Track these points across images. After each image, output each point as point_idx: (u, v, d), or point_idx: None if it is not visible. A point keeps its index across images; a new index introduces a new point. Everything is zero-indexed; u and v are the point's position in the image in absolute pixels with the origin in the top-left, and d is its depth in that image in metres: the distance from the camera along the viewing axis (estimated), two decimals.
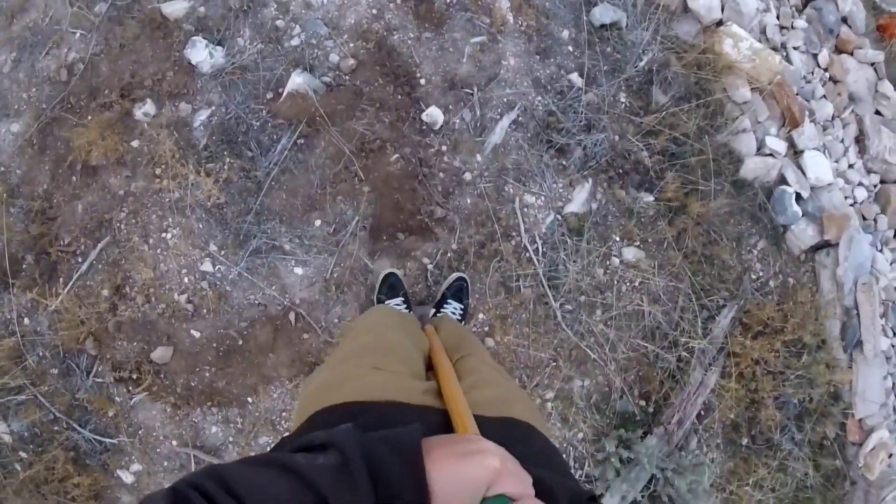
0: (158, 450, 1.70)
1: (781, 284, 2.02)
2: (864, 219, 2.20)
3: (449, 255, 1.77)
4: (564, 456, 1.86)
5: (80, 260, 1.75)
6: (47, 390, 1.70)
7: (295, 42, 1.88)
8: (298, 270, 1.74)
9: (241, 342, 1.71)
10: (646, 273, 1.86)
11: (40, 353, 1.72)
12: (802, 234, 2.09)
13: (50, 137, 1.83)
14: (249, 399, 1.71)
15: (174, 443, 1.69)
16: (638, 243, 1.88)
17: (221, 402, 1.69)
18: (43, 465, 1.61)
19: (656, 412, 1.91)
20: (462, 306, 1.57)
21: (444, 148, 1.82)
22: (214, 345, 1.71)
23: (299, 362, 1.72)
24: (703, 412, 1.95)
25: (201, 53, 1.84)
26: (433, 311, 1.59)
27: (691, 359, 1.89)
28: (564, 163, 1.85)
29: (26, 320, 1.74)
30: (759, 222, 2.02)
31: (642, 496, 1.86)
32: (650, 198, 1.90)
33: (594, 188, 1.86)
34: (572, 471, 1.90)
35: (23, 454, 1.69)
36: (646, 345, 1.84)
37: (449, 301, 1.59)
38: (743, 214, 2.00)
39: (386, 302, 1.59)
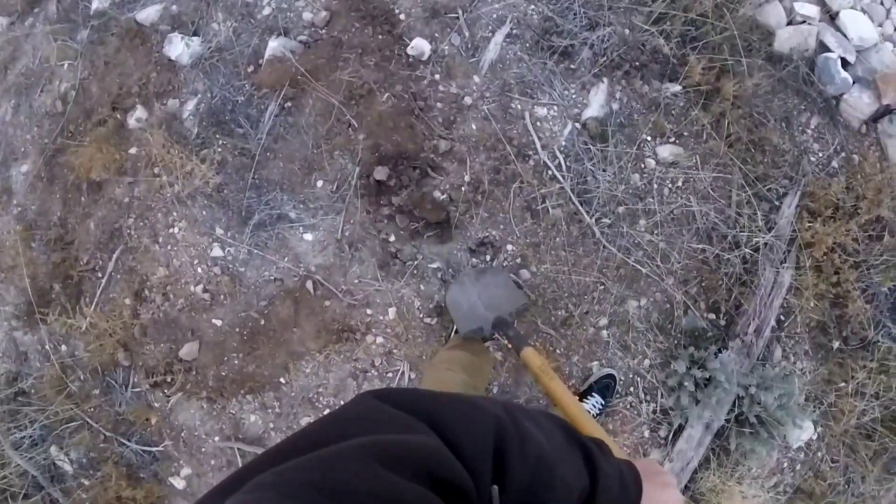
0: (203, 449, 1.22)
1: (845, 161, 1.32)
2: None
3: (463, 188, 1.18)
4: (632, 388, 1.23)
5: (99, 275, 1.31)
6: (93, 411, 1.26)
7: (266, 11, 1.37)
8: (308, 236, 1.22)
9: (263, 322, 1.21)
10: (688, 170, 1.22)
11: (81, 377, 1.31)
12: (858, 103, 1.37)
13: (56, 168, 1.44)
14: (282, 380, 1.20)
15: (216, 439, 1.21)
16: (673, 139, 1.24)
17: (255, 388, 1.20)
18: (100, 486, 1.16)
19: (729, 324, 1.26)
20: (603, 402, 1.25)
21: (436, 76, 1.25)
22: (237, 330, 1.22)
23: (325, 332, 1.19)
24: (782, 317, 1.29)
25: (178, 47, 1.37)
26: (577, 397, 1.23)
27: (758, 258, 1.22)
28: (572, 66, 1.24)
29: (63, 347, 1.33)
30: (807, 97, 1.33)
31: (727, 421, 1.20)
32: (676, 87, 1.26)
33: (611, 87, 1.24)
34: (642, 404, 1.25)
35: (84, 481, 1.25)
36: (703, 247, 1.20)
37: (593, 394, 1.25)
38: (787, 91, 1.32)
39: None
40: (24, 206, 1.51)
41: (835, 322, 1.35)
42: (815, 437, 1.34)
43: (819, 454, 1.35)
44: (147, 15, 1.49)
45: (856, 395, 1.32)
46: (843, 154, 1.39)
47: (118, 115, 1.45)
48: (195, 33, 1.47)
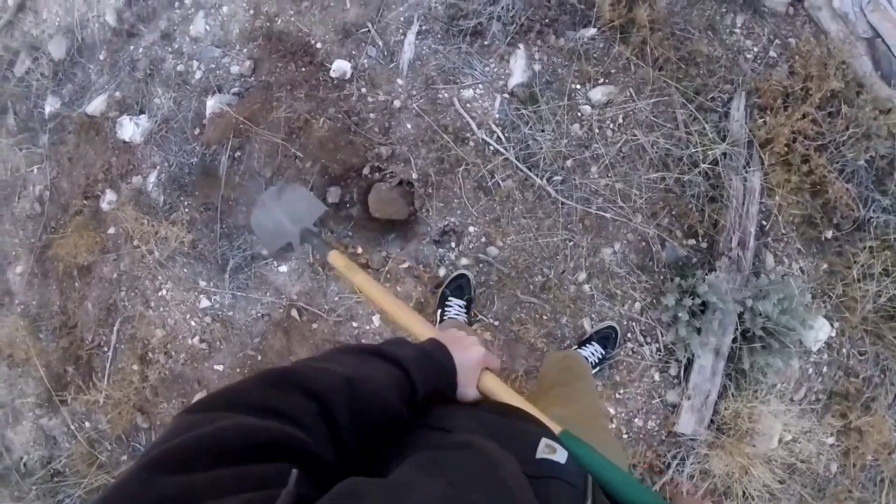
0: None
1: (782, 48, 1.26)
2: None
3: (414, 185, 1.18)
4: (629, 335, 1.18)
5: (105, 349, 1.36)
6: None
7: (198, 75, 1.43)
8: (283, 268, 1.24)
9: (260, 357, 1.23)
10: (624, 104, 1.18)
11: (108, 447, 1.34)
12: None
13: (47, 262, 1.53)
14: None
15: None
16: (601, 80, 1.21)
17: None
18: None
19: (711, 245, 1.20)
20: (603, 352, 1.21)
21: (363, 90, 1.27)
22: (238, 370, 1.24)
23: (320, 353, 1.18)
24: (763, 222, 1.22)
25: (129, 128, 1.44)
26: (575, 346, 1.23)
27: (720, 170, 1.16)
28: (486, 42, 1.24)
29: (86, 423, 1.37)
30: None
31: (734, 342, 1.13)
32: (591, 30, 1.23)
33: (528, 50, 1.23)
34: (644, 346, 1.19)
35: None
36: (661, 175, 1.16)
37: (592, 343, 1.21)
38: (704, 0, 1.25)
39: (449, 299, 1.21)
40: (25, 303, 1.59)
41: (820, 211, 1.26)
42: (833, 335, 1.24)
43: (843, 350, 1.25)
44: (95, 106, 1.58)
45: (864, 278, 1.22)
46: (777, 42, 1.31)
47: (91, 203, 1.52)
48: (141, 111, 1.54)
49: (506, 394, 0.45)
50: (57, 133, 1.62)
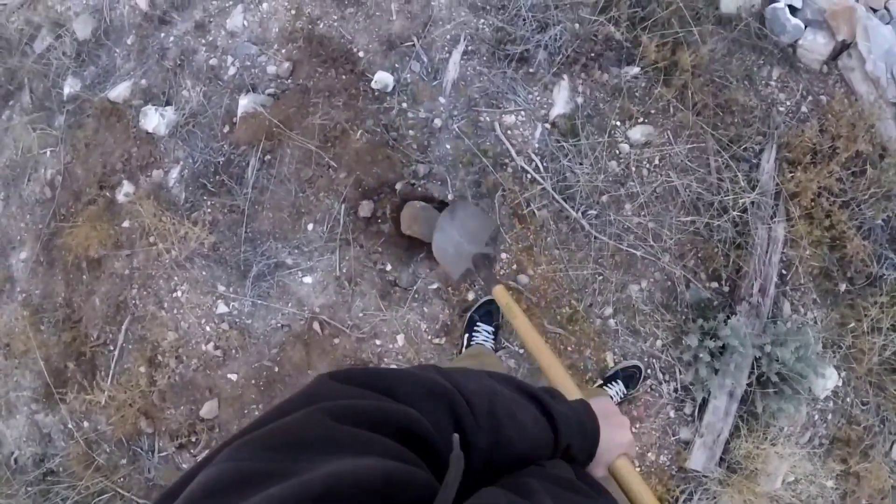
0: None
1: (814, 105, 1.29)
2: (874, 10, 1.42)
3: (448, 206, 1.15)
4: (649, 371, 1.19)
5: (111, 348, 1.29)
6: (123, 481, 1.23)
7: (232, 71, 1.37)
8: (307, 279, 1.20)
9: (277, 369, 1.18)
10: (662, 146, 1.19)
11: (107, 450, 1.28)
12: (814, 45, 1.35)
13: (54, 251, 1.43)
14: None
15: None
16: (641, 119, 1.22)
17: None
18: None
19: (733, 289, 1.22)
20: (626, 393, 1.22)
21: (404, 105, 1.24)
22: (253, 381, 1.19)
23: (339, 369, 1.14)
24: (784, 271, 1.24)
25: (153, 119, 1.37)
26: (600, 381, 1.24)
27: (748, 218, 1.19)
28: (531, 69, 1.23)
29: (85, 423, 1.30)
30: (764, 51, 1.31)
31: (749, 385, 1.16)
32: (635, 69, 1.24)
33: (572, 82, 1.22)
34: (662, 384, 1.21)
35: None
36: (692, 219, 1.17)
37: (617, 381, 1.22)
38: (743, 50, 1.30)
39: (478, 325, 1.21)
40: (28, 292, 1.50)
41: (837, 265, 1.30)
42: (840, 384, 1.29)
43: (848, 399, 1.29)
44: (118, 92, 1.49)
45: (872, 332, 1.27)
46: (810, 98, 1.36)
47: (106, 193, 1.44)
48: (168, 103, 1.47)
49: (638, 486, 0.43)
50: (75, 116, 1.53)
